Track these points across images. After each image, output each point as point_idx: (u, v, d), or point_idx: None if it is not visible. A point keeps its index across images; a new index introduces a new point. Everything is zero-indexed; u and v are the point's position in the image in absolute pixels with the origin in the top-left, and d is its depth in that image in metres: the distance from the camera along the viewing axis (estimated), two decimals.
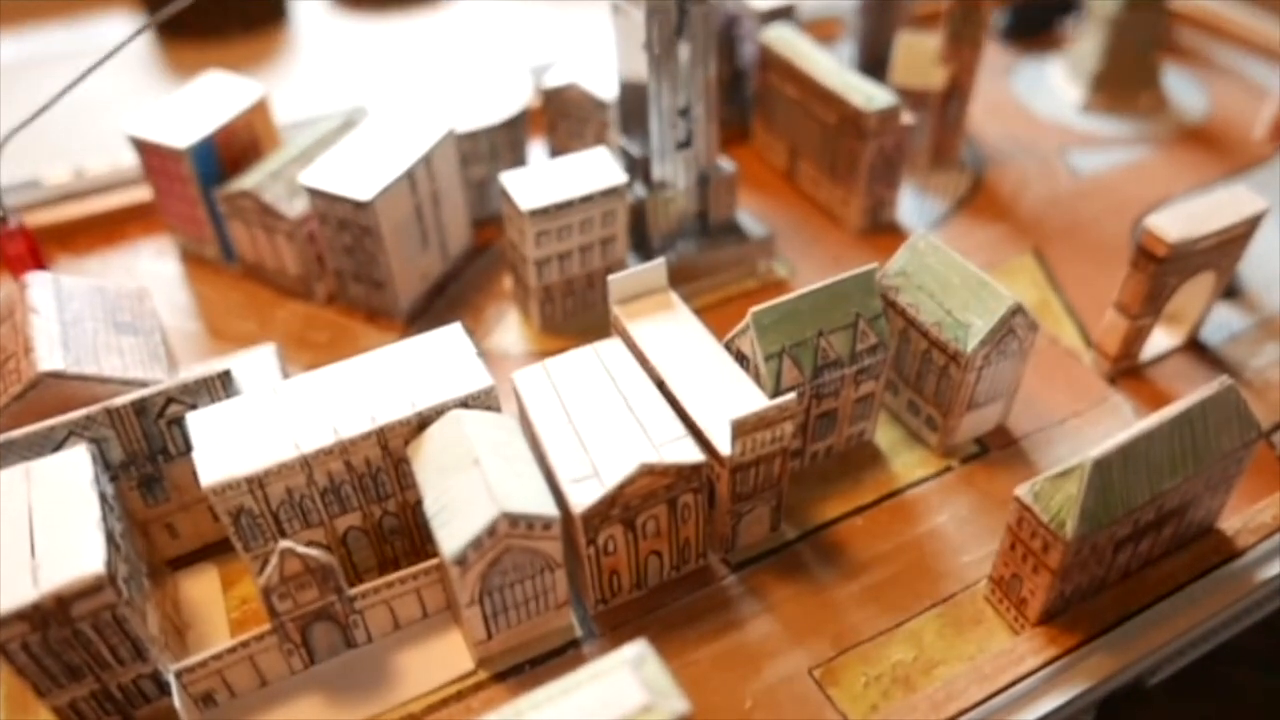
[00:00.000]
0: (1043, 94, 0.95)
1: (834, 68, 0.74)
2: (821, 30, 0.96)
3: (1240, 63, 1.00)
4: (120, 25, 1.14)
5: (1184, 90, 0.95)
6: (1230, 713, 0.57)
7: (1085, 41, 0.93)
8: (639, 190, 0.68)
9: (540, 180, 0.63)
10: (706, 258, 0.70)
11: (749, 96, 0.85)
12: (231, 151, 0.70)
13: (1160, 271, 0.58)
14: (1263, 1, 1.05)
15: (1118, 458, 0.44)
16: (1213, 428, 0.47)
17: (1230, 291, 0.71)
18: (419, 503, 0.46)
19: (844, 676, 0.47)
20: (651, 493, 0.46)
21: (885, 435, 0.60)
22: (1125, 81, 0.91)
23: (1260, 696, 0.58)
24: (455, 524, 0.43)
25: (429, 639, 0.49)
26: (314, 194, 0.63)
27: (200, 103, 0.71)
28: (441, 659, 0.48)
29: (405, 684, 0.47)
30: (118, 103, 0.99)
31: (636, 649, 0.35)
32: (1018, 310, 0.53)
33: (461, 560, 0.43)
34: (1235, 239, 0.60)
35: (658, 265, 0.56)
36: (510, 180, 0.63)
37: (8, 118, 0.66)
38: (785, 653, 0.48)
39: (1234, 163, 0.85)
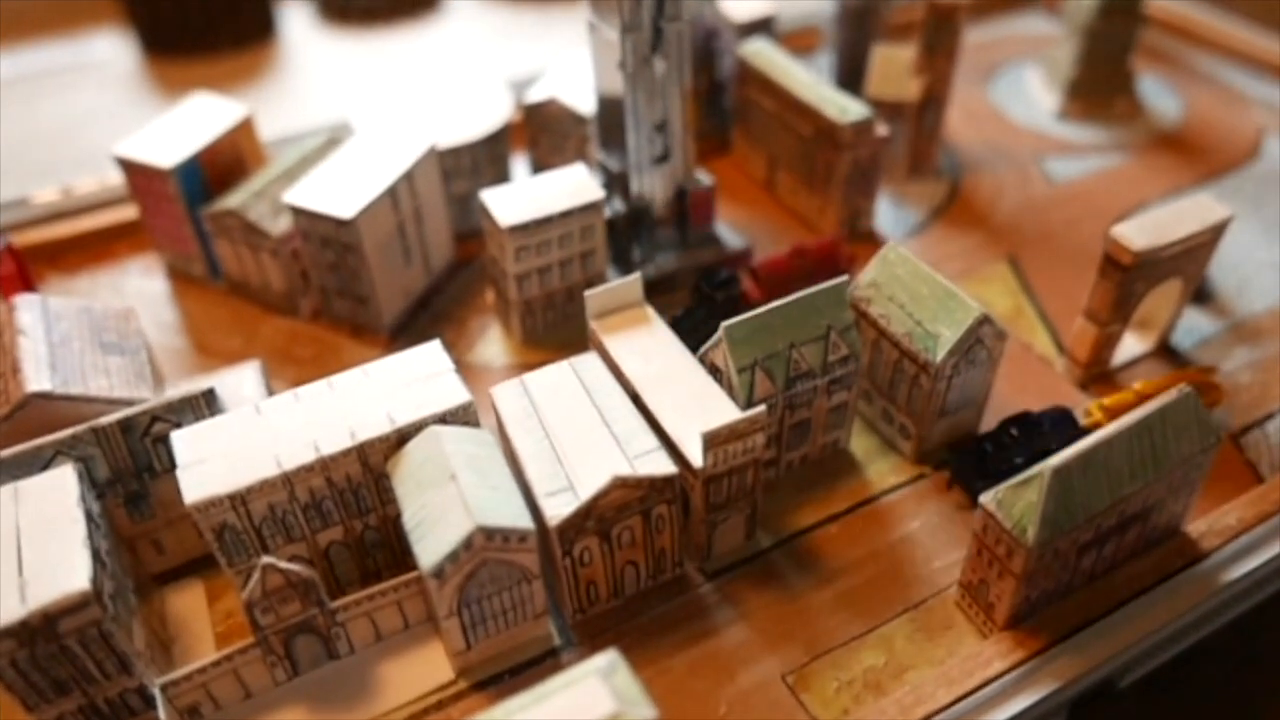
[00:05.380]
0: (1020, 101, 0.96)
1: (810, 81, 0.76)
2: (801, 41, 0.98)
3: (1215, 68, 1.01)
4: (109, 42, 1.16)
5: (1159, 96, 0.96)
6: (1203, 712, 0.58)
7: (1061, 49, 0.94)
8: (618, 204, 0.69)
9: (519, 197, 0.65)
10: (685, 269, 0.71)
11: (729, 109, 0.86)
12: (217, 170, 0.71)
13: (1127, 279, 0.59)
14: (1237, 7, 1.06)
15: (1077, 464, 0.45)
16: (1172, 433, 0.48)
17: (1203, 296, 0.72)
18: (399, 516, 0.47)
19: (816, 682, 0.48)
20: (625, 504, 0.47)
21: (860, 443, 0.61)
22: (1101, 88, 0.92)
23: (1232, 696, 0.59)
24: (432, 538, 0.44)
25: (410, 650, 0.50)
26: (297, 212, 0.64)
27: (186, 123, 0.72)
28: (422, 669, 0.49)
29: (386, 694, 0.48)
30: (106, 120, 1.00)
31: (607, 658, 0.36)
32: (985, 320, 0.54)
33: (438, 574, 0.44)
34: (1201, 246, 0.61)
35: (633, 280, 0.57)
36: (490, 197, 0.64)
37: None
38: (759, 659, 0.49)
39: (1208, 168, 0.86)
